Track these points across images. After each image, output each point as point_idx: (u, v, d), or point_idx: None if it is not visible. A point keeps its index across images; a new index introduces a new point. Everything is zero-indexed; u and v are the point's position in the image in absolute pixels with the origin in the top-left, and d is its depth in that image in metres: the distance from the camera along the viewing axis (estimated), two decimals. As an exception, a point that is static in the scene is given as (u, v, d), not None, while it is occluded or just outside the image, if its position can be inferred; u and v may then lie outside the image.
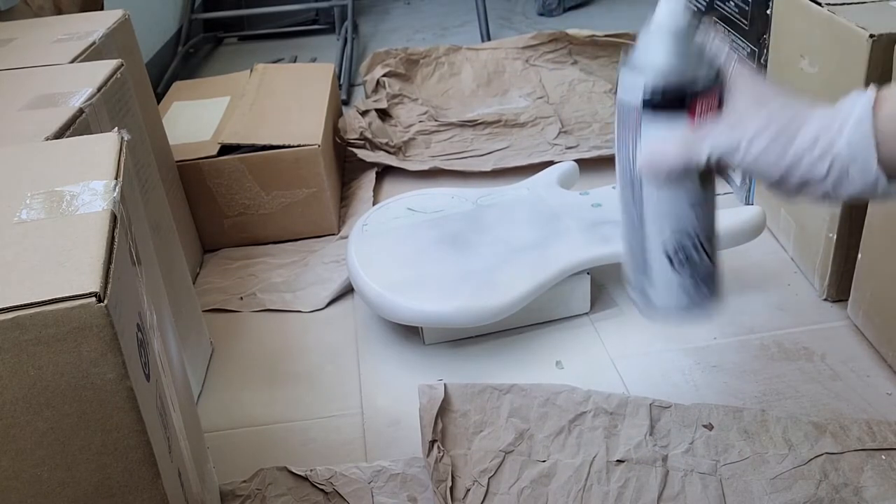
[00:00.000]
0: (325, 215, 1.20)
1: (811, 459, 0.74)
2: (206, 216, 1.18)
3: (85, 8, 1.23)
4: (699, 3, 1.27)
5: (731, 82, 0.44)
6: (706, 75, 0.44)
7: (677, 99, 0.44)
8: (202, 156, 1.15)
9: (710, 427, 0.79)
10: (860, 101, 0.40)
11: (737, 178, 1.19)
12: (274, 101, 1.30)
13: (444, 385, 0.85)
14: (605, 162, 1.30)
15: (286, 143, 1.15)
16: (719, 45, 0.44)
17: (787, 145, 0.40)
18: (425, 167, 1.32)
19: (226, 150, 1.16)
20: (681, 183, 0.46)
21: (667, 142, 0.44)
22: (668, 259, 0.49)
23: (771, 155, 0.41)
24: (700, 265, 0.49)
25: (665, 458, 0.76)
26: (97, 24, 0.92)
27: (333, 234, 1.21)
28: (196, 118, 1.28)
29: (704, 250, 0.48)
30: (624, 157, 0.48)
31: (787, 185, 0.42)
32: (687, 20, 0.43)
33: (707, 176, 0.46)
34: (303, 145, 1.15)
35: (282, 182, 1.16)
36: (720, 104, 0.44)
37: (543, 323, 0.98)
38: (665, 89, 0.44)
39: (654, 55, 0.44)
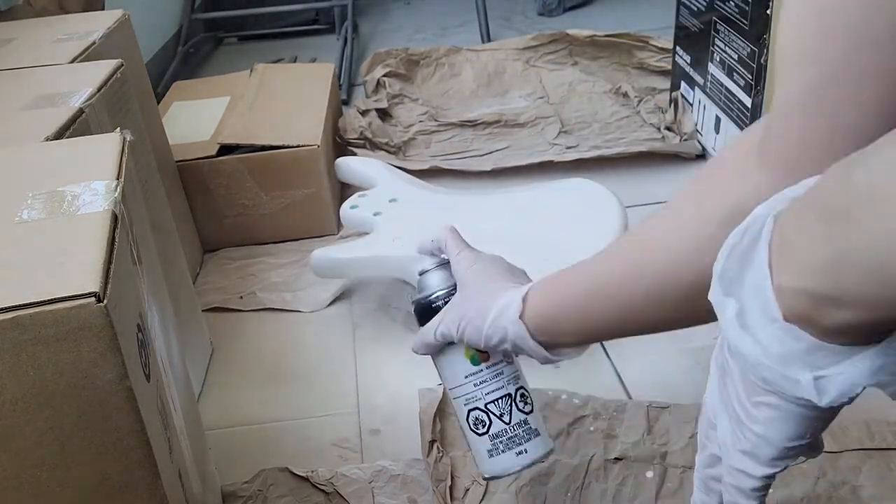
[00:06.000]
0: (324, 215, 1.20)
1: (810, 459, 0.74)
2: (206, 216, 1.18)
3: (87, 7, 1.23)
4: (698, 3, 1.27)
5: (458, 280, 0.60)
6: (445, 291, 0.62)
7: (430, 307, 0.62)
8: (202, 156, 1.15)
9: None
10: (513, 305, 0.55)
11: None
12: (274, 101, 1.30)
13: (444, 388, 0.85)
14: (606, 162, 1.30)
15: (286, 144, 1.15)
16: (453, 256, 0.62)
17: (480, 328, 0.57)
18: (425, 166, 1.32)
19: (225, 150, 1.16)
20: (445, 357, 0.62)
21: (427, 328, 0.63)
22: (469, 426, 0.61)
23: (473, 334, 0.57)
24: (492, 427, 0.60)
25: (664, 456, 0.76)
26: (97, 24, 0.92)
27: (333, 234, 1.21)
28: (196, 118, 1.28)
29: (491, 414, 0.60)
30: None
31: (494, 349, 0.58)
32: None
33: (480, 354, 0.60)
34: (302, 145, 1.15)
35: (281, 182, 1.16)
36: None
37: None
38: (419, 303, 0.63)
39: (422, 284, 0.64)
